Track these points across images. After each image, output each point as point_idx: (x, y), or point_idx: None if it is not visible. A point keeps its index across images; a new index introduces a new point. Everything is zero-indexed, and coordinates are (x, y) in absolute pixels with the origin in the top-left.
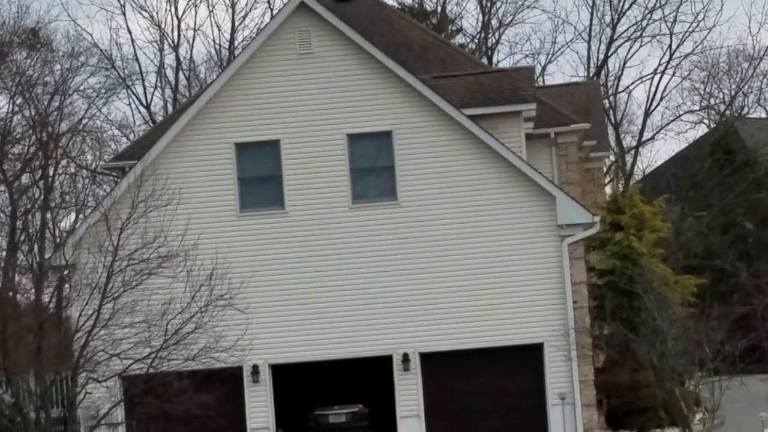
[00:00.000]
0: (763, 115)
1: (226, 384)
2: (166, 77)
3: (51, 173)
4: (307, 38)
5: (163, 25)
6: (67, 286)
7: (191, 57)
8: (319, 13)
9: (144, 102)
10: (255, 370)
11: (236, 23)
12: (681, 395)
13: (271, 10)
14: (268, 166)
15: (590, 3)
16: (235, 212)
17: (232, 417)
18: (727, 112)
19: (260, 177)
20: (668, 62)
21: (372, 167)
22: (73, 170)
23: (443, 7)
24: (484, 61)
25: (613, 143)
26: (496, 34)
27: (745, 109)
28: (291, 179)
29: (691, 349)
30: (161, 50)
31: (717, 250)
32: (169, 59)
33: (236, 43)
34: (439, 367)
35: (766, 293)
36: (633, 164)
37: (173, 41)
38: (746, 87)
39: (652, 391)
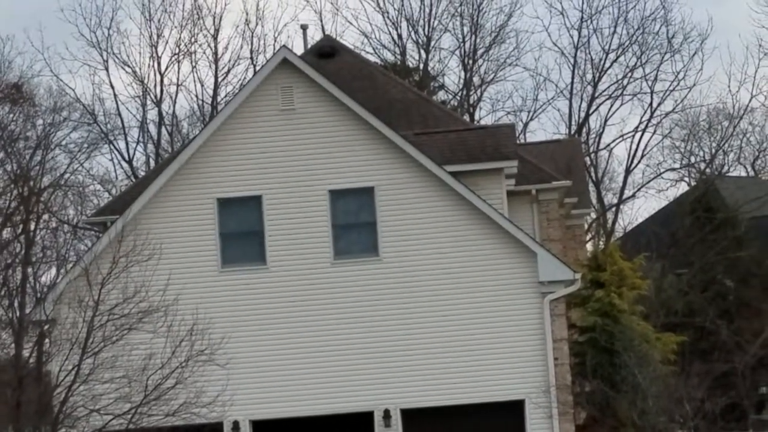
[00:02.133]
0: (743, 174)
1: None
2: (149, 132)
3: (32, 228)
4: (289, 94)
5: (145, 81)
6: (47, 341)
7: (174, 112)
8: (302, 69)
9: (126, 157)
10: (236, 426)
11: (219, 79)
12: None
13: (254, 66)
14: (250, 222)
15: (572, 61)
16: (216, 267)
17: None
18: (708, 170)
19: (242, 232)
20: (649, 120)
21: (354, 223)
22: (54, 225)
23: (425, 65)
24: (466, 118)
25: (594, 200)
26: (478, 92)
27: (726, 168)
28: (273, 235)
29: (672, 407)
30: (144, 105)
31: (697, 308)
32: (152, 114)
33: (219, 99)
34: (420, 423)
35: (746, 351)
36: (614, 222)
37: (156, 96)
38: (726, 145)
39: None
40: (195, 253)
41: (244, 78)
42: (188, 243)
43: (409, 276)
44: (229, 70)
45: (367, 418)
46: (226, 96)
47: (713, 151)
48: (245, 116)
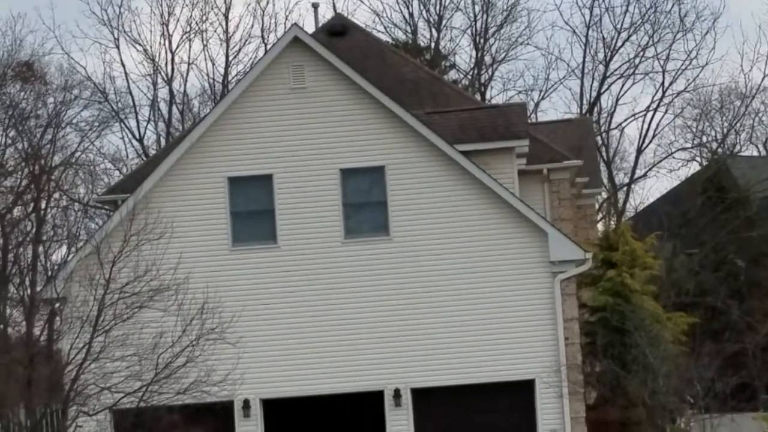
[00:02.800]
0: (755, 153)
1: (218, 418)
2: (160, 111)
3: (43, 206)
4: (300, 73)
5: (156, 59)
6: (58, 319)
7: (185, 91)
8: (313, 47)
9: (137, 135)
10: (246, 404)
11: (230, 57)
12: None
13: (265, 44)
14: (261, 201)
15: (583, 40)
16: (227, 246)
17: None
18: (720, 149)
19: (253, 211)
20: (661, 100)
21: (365, 202)
22: (65, 203)
23: (437, 43)
24: (477, 97)
25: (605, 180)
26: (489, 71)
27: (737, 147)
28: (283, 214)
29: (683, 387)
30: (155, 84)
31: (708, 288)
32: (163, 93)
33: (230, 77)
34: (430, 402)
35: (757, 331)
36: (625, 201)
37: (167, 75)
38: (738, 125)
39: (643, 428)
40: (206, 232)
41: (255, 56)
42: (199, 221)
43: (419, 255)
44: (240, 49)
45: (377, 397)
46: (237, 74)
47: (725, 130)
48: (256, 95)
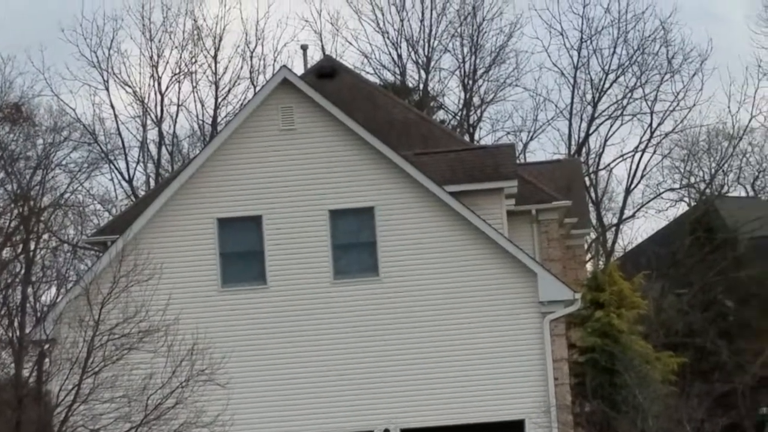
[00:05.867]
0: (743, 194)
1: None
2: (149, 152)
3: (32, 247)
4: (289, 114)
5: (146, 101)
6: (47, 360)
7: (174, 132)
8: (302, 89)
9: (126, 177)
10: None
11: (219, 99)
12: None
13: (254, 86)
14: (250, 242)
15: (571, 81)
16: (216, 287)
17: None
18: (707, 190)
19: (242, 252)
20: (649, 140)
21: (354, 243)
22: (54, 244)
23: (425, 85)
24: (466, 138)
25: (594, 220)
26: (478, 112)
27: (725, 188)
28: (273, 255)
29: (672, 427)
30: (144, 125)
31: (697, 328)
32: (152, 134)
33: (219, 119)
34: None
35: (746, 371)
36: (614, 242)
37: (156, 116)
38: (726, 165)
39: None
40: (195, 273)
41: (245, 98)
42: (188, 263)
43: (409, 296)
44: (229, 90)
45: None
46: (226, 116)
47: (713, 171)
48: (245, 136)
